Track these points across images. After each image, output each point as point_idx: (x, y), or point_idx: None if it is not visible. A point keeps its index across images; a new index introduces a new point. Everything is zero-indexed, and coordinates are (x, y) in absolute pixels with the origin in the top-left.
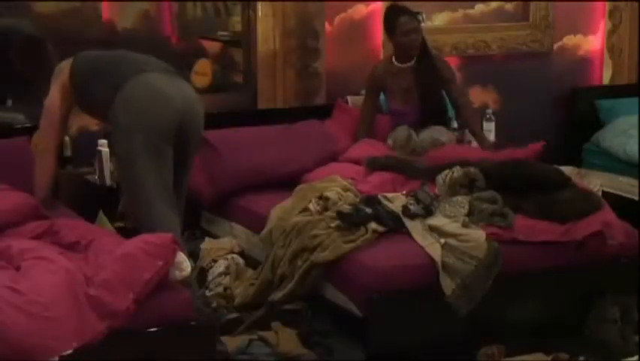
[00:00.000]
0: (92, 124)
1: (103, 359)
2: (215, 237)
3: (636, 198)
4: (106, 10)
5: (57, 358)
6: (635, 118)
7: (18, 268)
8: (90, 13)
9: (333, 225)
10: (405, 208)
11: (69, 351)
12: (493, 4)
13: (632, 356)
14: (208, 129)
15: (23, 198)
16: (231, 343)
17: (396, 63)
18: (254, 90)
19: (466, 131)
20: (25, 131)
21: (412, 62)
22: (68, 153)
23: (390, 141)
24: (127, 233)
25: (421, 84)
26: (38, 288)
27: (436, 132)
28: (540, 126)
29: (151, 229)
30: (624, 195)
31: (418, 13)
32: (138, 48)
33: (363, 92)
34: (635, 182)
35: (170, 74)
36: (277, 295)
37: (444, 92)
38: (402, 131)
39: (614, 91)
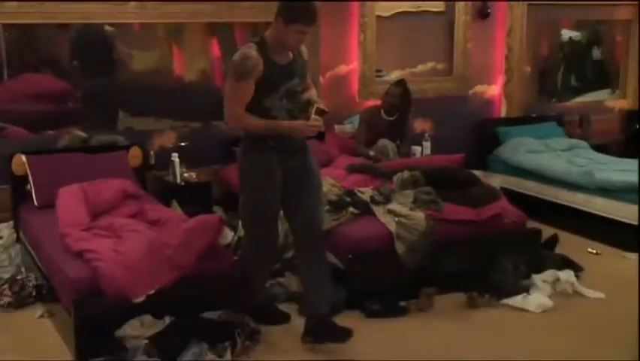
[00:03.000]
0: (169, 143)
1: (173, 298)
2: None
3: (522, 191)
4: (177, 68)
5: (144, 296)
6: (523, 139)
7: (119, 237)
8: (166, 70)
9: (325, 208)
10: (372, 198)
11: (152, 292)
12: (429, 65)
13: (521, 293)
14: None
15: (122, 185)
16: None
17: (383, 115)
18: None
19: (411, 147)
20: (124, 148)
21: (393, 117)
22: (152, 162)
23: (372, 152)
24: (191, 214)
25: (392, 134)
26: (132, 250)
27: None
28: (460, 144)
29: None
30: (514, 189)
31: (401, 80)
32: (198, 94)
33: (346, 122)
34: (521, 181)
35: None
36: (288, 254)
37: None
38: (383, 142)
39: (508, 121)
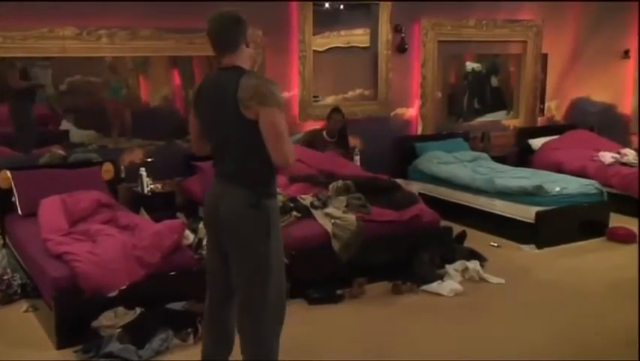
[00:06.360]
0: (137, 159)
1: (143, 292)
2: None
3: (436, 195)
4: (144, 95)
5: (117, 291)
6: (436, 152)
7: (94, 241)
8: (135, 96)
9: None
10: (312, 203)
11: (123, 287)
12: (358, 91)
13: (436, 280)
14: (201, 162)
15: (96, 196)
16: None
17: (326, 137)
18: None
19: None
20: (97, 164)
21: (334, 139)
22: (123, 175)
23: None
24: (157, 220)
25: (335, 152)
26: (106, 252)
27: None
28: (384, 157)
29: None
30: (429, 194)
31: (336, 108)
32: (162, 117)
33: None
34: (435, 187)
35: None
36: None
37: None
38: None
39: (423, 138)
